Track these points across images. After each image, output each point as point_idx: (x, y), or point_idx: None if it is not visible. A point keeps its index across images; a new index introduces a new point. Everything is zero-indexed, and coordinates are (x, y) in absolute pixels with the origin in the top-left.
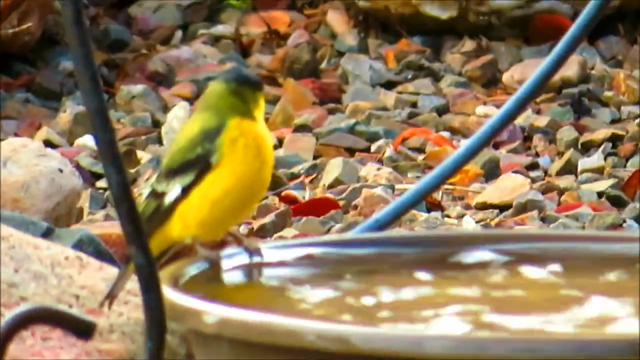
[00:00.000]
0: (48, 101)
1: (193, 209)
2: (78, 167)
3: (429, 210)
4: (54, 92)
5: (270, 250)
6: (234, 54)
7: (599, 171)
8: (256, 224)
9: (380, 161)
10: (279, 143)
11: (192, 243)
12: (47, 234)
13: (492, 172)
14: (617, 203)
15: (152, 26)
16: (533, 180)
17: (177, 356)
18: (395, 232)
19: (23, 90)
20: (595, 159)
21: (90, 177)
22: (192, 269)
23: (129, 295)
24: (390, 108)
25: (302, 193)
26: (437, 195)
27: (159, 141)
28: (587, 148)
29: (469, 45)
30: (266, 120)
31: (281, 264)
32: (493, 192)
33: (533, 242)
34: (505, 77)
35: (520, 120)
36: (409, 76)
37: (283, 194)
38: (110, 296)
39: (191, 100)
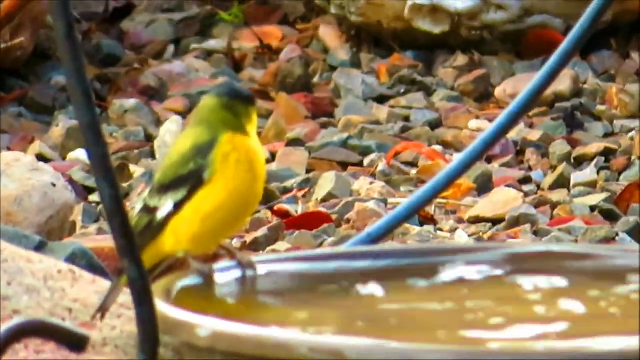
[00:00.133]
0: (40, 115)
1: (185, 224)
2: (71, 181)
3: (421, 224)
4: (46, 106)
5: (263, 263)
6: (226, 69)
7: (592, 185)
8: (249, 238)
9: (373, 175)
10: (272, 157)
11: (184, 256)
12: (39, 248)
13: (484, 186)
14: (610, 217)
15: (144, 41)
16: (526, 194)
17: None
18: (388, 245)
19: (16, 104)
20: (588, 173)
21: (83, 191)
22: (185, 283)
23: (122, 308)
24: (383, 122)
25: (294, 207)
26: (430, 209)
27: (152, 155)
28: (579, 162)
29: (461, 59)
30: (259, 134)
31: (274, 277)
32: (486, 205)
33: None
34: (498, 92)
35: (512, 134)
36: (402, 90)
37: (276, 207)
38: (102, 309)
39: (184, 114)
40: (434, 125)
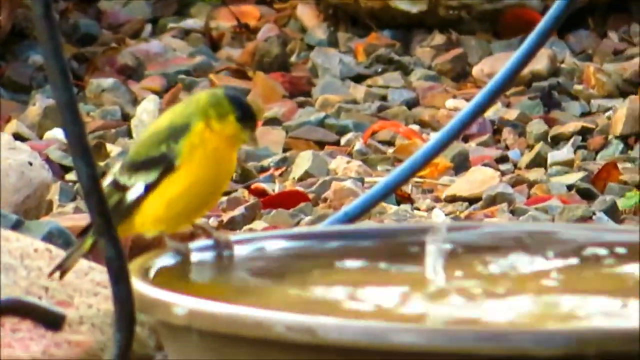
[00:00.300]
0: (17, 94)
1: (150, 206)
2: (48, 160)
3: (398, 203)
4: (23, 85)
5: (239, 242)
6: (203, 48)
7: (569, 164)
8: (226, 217)
9: (349, 154)
10: None
11: (160, 236)
12: (16, 226)
13: (461, 165)
14: (587, 196)
15: (121, 20)
16: (503, 173)
17: (146, 348)
18: (364, 224)
19: None
20: (564, 152)
21: (60, 170)
22: (162, 261)
23: (98, 287)
24: (360, 101)
25: (271, 186)
26: (407, 188)
27: (129, 134)
28: (556, 141)
29: (438, 39)
30: None
31: (250, 256)
32: (462, 185)
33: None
34: (475, 71)
35: (490, 114)
36: (379, 70)
37: (253, 186)
38: (62, 267)
39: (161, 93)
40: (411, 104)
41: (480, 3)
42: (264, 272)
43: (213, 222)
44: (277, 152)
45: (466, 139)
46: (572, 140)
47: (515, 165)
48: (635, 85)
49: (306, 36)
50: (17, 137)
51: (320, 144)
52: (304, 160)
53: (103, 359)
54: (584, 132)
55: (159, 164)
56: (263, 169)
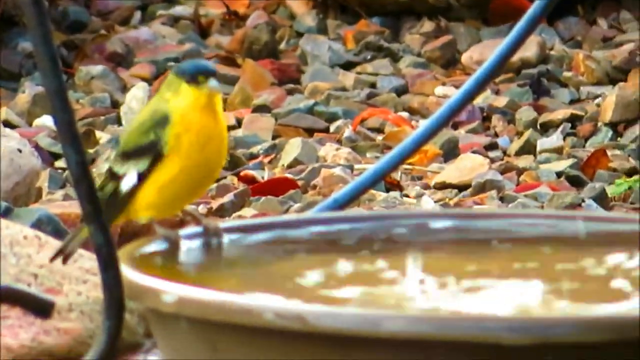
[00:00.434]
0: (7, 82)
1: (143, 193)
2: (37, 147)
3: (387, 190)
4: (12, 72)
5: (229, 229)
6: (192, 35)
7: (558, 151)
8: (215, 204)
9: (339, 141)
10: (238, 123)
11: (150, 223)
12: (6, 214)
13: (451, 152)
14: (576, 183)
15: (111, 7)
16: (492, 160)
17: (135, 335)
18: (354, 211)
19: None
20: (554, 139)
21: (49, 157)
22: (151, 248)
23: (87, 274)
24: (349, 88)
25: (261, 173)
26: (396, 175)
27: (118, 122)
28: (546, 128)
29: (428, 26)
30: (225, 100)
31: (240, 242)
32: (452, 172)
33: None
34: (464, 58)
35: (479, 101)
36: (368, 57)
37: (242, 173)
38: (64, 252)
39: (150, 80)
40: (400, 91)
41: None
42: (253, 259)
43: (202, 209)
44: (267, 139)
45: (455, 126)
46: (561, 128)
47: (504, 153)
48: (624, 72)
49: (295, 23)
50: (7, 124)
51: (310, 131)
52: (293, 147)
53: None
54: (573, 119)
55: (149, 151)
56: (252, 156)
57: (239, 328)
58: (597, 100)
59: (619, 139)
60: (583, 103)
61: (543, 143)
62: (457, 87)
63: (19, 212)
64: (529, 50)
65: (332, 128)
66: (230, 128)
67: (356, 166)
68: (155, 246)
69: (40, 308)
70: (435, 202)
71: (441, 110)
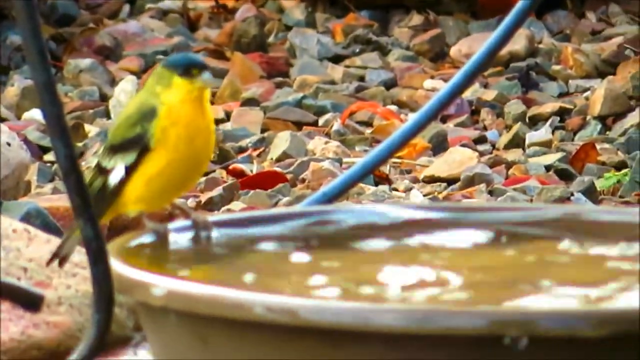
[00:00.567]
0: None
1: (131, 187)
2: (26, 140)
3: (376, 184)
4: (1, 66)
5: (218, 223)
6: (181, 28)
7: (547, 145)
8: (204, 197)
9: (327, 135)
10: (227, 117)
11: (139, 216)
12: None
13: (439, 145)
14: (565, 176)
15: (99, 0)
16: (481, 154)
17: (125, 329)
18: (342, 204)
19: None
20: (543, 133)
21: (38, 151)
22: (140, 242)
23: (76, 267)
24: (338, 82)
25: (249, 166)
26: (385, 169)
27: (107, 115)
28: (534, 122)
29: (416, 19)
30: (214, 94)
31: (229, 236)
32: (441, 165)
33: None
34: (453, 51)
35: (468, 94)
36: (357, 50)
37: (231, 167)
38: (59, 255)
39: (138, 74)
40: (389, 85)
41: None
42: (242, 252)
43: (191, 202)
44: (255, 133)
45: (444, 120)
46: (550, 121)
47: (493, 146)
48: (613, 65)
49: (284, 17)
50: None
51: (298, 125)
52: (282, 140)
53: (81, 340)
54: (562, 113)
55: (136, 145)
56: (241, 150)
57: (229, 322)
58: (586, 94)
59: (607, 132)
60: (572, 96)
61: (532, 136)
62: (445, 80)
63: (8, 206)
64: (518, 43)
65: (320, 121)
66: (219, 121)
67: (345, 160)
68: (144, 239)
69: (30, 302)
70: (424, 195)
71: (430, 103)
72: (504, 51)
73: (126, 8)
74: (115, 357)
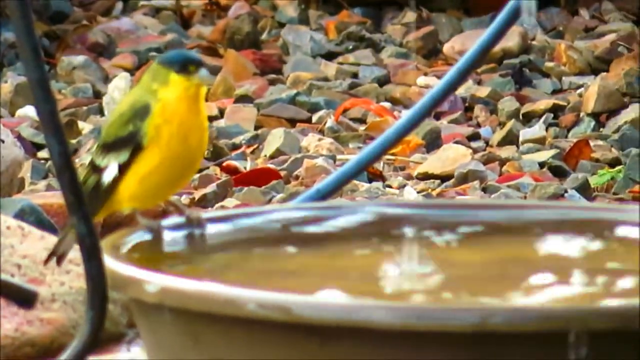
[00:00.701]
0: None
1: (124, 185)
2: (19, 137)
3: (370, 181)
4: None
5: (211, 219)
6: (174, 25)
7: (541, 142)
8: (197, 194)
9: (321, 132)
10: (220, 114)
11: (132, 213)
12: None
13: (433, 142)
14: (559, 173)
15: None
16: (474, 151)
17: (118, 325)
18: (336, 201)
19: None
20: (536, 130)
21: (32, 148)
22: (134, 239)
23: (70, 264)
24: (331, 79)
25: (243, 163)
26: (379, 166)
27: (100, 112)
28: (528, 118)
29: (409, 16)
30: (207, 91)
31: (222, 233)
32: (434, 162)
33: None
34: (446, 48)
35: (461, 91)
36: (350, 47)
37: (224, 164)
38: (56, 253)
39: (132, 71)
40: (383, 81)
41: None
42: (236, 249)
43: (185, 199)
44: (249, 130)
45: (438, 117)
46: (543, 118)
47: (487, 143)
48: (606, 62)
49: (277, 14)
50: None
51: (292, 122)
52: (275, 137)
53: (75, 337)
54: (556, 110)
55: (129, 143)
56: (235, 147)
57: (222, 318)
58: (579, 91)
59: (601, 129)
60: (565, 93)
61: (525, 133)
62: (439, 77)
63: (2, 203)
64: (511, 40)
65: (314, 118)
66: (213, 118)
67: (339, 156)
68: (138, 236)
69: (24, 298)
70: (418, 192)
71: (423, 100)
72: (497, 48)
73: (119, 5)
74: (109, 353)
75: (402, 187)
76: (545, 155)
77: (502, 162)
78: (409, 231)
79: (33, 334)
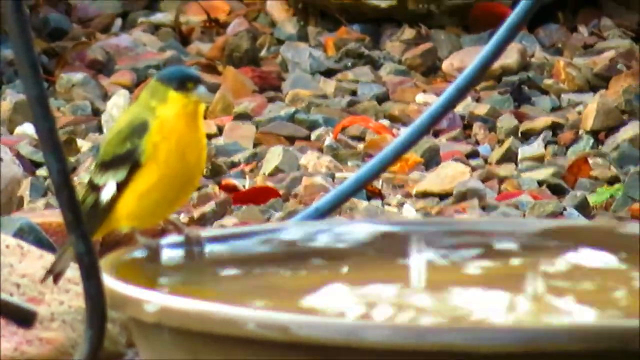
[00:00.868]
0: None
1: (122, 203)
2: (18, 155)
3: (369, 199)
4: None
5: (210, 238)
6: (173, 42)
7: (539, 159)
8: (196, 212)
9: (320, 149)
10: (219, 131)
11: (131, 232)
12: None
13: (432, 160)
14: (558, 191)
15: (91, 14)
16: (473, 169)
17: (117, 345)
18: (335, 220)
19: None
20: (535, 147)
21: (31, 166)
22: (133, 258)
23: (69, 283)
24: (330, 96)
25: (242, 181)
26: (377, 184)
27: (99, 129)
28: (527, 136)
29: (408, 33)
30: (206, 108)
31: (221, 251)
32: (433, 180)
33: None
34: (445, 65)
35: (460, 109)
36: (349, 64)
37: (223, 182)
38: (54, 272)
39: (131, 88)
40: (381, 99)
41: None
42: (236, 268)
43: (184, 217)
44: (248, 148)
45: (436, 134)
46: (542, 135)
47: (485, 161)
48: (605, 79)
49: (276, 30)
50: None
51: (291, 139)
52: (274, 155)
53: (74, 356)
54: (555, 127)
55: (127, 161)
56: (233, 165)
57: (221, 338)
58: (578, 108)
59: (600, 147)
60: (564, 111)
61: (524, 151)
62: (437, 94)
63: (1, 221)
64: (510, 57)
65: (313, 136)
66: (211, 136)
67: (337, 174)
68: (136, 255)
69: (23, 318)
70: (416, 210)
71: (422, 118)
72: (496, 65)
73: (118, 22)
74: None
75: (400, 205)
76: (544, 173)
77: (501, 179)
78: (407, 250)
79: (32, 353)
